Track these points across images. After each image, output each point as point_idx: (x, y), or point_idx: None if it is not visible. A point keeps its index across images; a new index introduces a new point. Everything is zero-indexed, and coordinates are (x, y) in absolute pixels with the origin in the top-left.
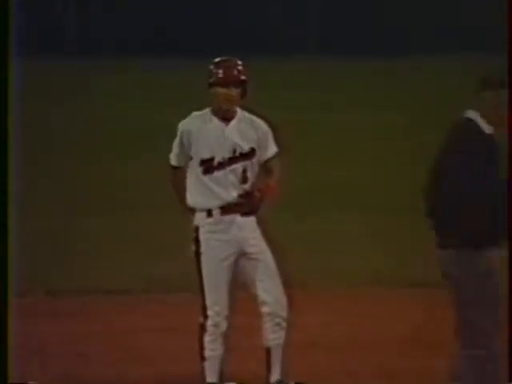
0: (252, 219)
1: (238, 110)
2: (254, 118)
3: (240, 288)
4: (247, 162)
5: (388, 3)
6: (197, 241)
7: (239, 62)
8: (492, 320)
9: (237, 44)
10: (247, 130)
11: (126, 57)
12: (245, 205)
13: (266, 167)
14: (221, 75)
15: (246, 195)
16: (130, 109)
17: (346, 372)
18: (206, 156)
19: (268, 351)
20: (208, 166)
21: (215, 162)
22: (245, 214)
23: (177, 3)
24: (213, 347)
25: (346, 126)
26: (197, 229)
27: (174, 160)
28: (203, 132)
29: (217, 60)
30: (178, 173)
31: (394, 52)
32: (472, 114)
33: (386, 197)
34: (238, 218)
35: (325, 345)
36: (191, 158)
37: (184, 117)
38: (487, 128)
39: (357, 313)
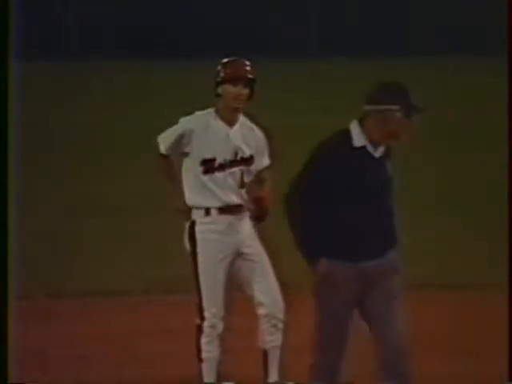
0: (248, 221)
1: (241, 116)
2: (254, 126)
3: (237, 289)
4: (246, 168)
5: (388, 3)
6: (192, 237)
7: (247, 62)
8: (325, 332)
9: (237, 44)
10: (248, 136)
11: (126, 57)
12: (254, 210)
13: (259, 177)
14: (230, 73)
15: (256, 200)
16: (130, 109)
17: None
18: (208, 156)
19: (265, 353)
20: (209, 166)
21: (216, 163)
22: (255, 219)
23: (177, 3)
24: (210, 349)
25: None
26: (193, 224)
27: (165, 149)
28: (207, 132)
29: (225, 60)
30: (167, 161)
31: (393, 52)
32: (353, 126)
33: None
34: (235, 219)
35: None
36: (186, 155)
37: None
38: (358, 140)
39: None
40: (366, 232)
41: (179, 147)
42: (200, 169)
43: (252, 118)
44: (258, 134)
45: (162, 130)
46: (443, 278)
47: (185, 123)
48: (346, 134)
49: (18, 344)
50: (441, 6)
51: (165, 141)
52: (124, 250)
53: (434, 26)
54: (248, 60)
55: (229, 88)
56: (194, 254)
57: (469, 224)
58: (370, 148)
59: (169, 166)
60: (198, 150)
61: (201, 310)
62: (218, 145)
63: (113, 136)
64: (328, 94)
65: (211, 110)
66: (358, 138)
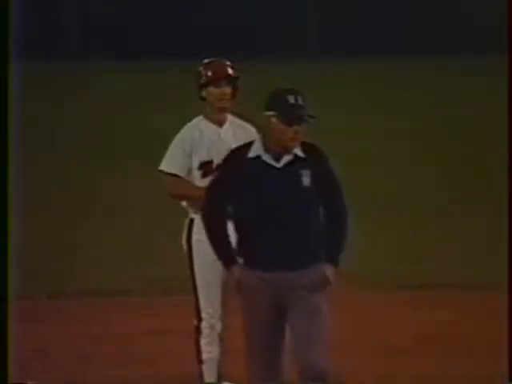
0: None
1: (228, 115)
2: (244, 122)
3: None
4: None
5: (388, 3)
6: (189, 237)
7: (227, 62)
8: (247, 330)
9: (237, 44)
10: (239, 133)
11: (125, 57)
12: None
13: None
14: (211, 75)
15: None
16: (130, 109)
17: (344, 373)
18: (205, 158)
19: None
20: (207, 168)
21: (214, 165)
22: None
23: (177, 3)
24: (210, 349)
25: (345, 127)
26: (191, 222)
27: (176, 169)
28: (201, 136)
29: (205, 61)
30: (179, 180)
31: (393, 52)
32: (258, 136)
33: (386, 198)
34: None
35: None
36: (191, 164)
37: (184, 117)
38: (253, 151)
39: (352, 315)
40: (275, 243)
41: (188, 161)
42: (198, 173)
43: (250, 118)
44: (250, 129)
45: (162, 130)
46: (443, 277)
47: (182, 136)
48: (249, 145)
49: (18, 344)
50: (441, 6)
51: (173, 164)
52: (124, 250)
53: (433, 26)
54: (248, 60)
55: (212, 90)
56: (189, 254)
57: (469, 224)
58: (266, 158)
59: (181, 183)
60: (196, 155)
61: (198, 311)
62: (212, 146)
63: (113, 136)
64: (327, 92)
65: (199, 117)
66: (254, 149)
